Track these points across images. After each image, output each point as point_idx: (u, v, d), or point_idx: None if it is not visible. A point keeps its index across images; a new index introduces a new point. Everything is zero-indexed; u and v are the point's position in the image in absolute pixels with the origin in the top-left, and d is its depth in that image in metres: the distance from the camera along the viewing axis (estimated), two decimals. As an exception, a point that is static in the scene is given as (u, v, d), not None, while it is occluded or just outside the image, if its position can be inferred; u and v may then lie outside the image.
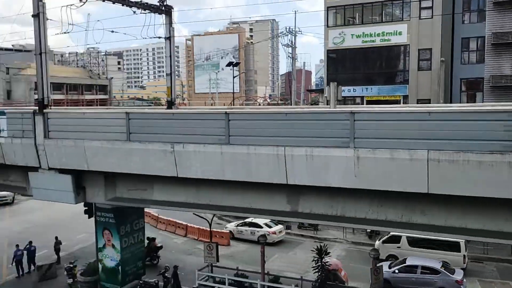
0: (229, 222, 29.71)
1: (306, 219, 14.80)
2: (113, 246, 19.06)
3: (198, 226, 27.75)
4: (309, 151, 11.73)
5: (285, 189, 13.28)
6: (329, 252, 19.44)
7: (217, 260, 19.88)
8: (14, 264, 22.29)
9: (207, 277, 19.74)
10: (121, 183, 17.04)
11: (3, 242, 27.13)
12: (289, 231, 28.44)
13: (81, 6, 16.28)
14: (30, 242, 23.00)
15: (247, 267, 20.93)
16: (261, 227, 26.82)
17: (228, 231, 27.32)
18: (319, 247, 18.65)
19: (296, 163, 11.97)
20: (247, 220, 27.37)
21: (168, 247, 25.83)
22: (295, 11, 57.84)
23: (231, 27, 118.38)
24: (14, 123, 16.78)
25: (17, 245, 22.76)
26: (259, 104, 43.08)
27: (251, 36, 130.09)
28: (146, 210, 24.03)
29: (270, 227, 26.96)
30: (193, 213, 19.74)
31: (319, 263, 18.26)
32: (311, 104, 55.34)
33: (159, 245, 24.14)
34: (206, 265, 20.36)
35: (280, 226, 27.38)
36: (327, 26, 35.43)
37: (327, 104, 21.92)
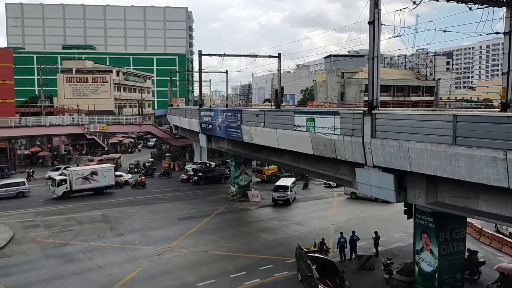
0: None
1: None
2: (431, 251, 18.58)
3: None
4: None
5: None
6: None
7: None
8: (338, 249, 24.81)
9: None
10: (443, 187, 16.38)
11: (330, 227, 30.70)
12: None
13: (414, 8, 16.38)
14: (353, 232, 25.05)
15: None
16: None
17: None
18: None
19: None
20: None
21: (491, 265, 23.29)
22: None
23: None
24: (346, 123, 18.48)
25: (341, 233, 25.37)
26: None
27: None
28: (468, 220, 22.37)
29: None
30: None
31: None
32: None
33: (481, 260, 22.08)
34: (539, 295, 17.41)
35: None
36: None
37: None
